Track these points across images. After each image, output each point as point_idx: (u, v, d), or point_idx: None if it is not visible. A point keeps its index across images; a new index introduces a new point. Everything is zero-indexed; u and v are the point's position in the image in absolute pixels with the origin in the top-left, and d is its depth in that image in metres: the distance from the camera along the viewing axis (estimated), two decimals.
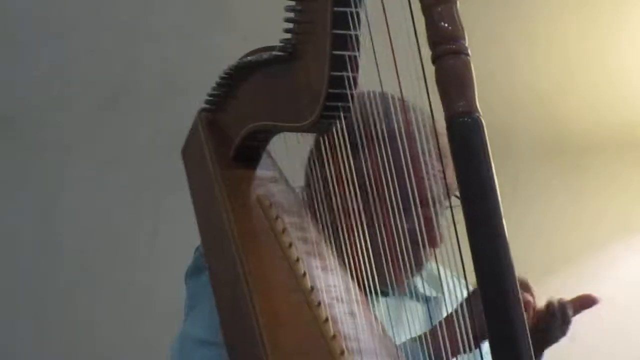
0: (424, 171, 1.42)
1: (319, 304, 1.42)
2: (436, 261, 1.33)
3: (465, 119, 1.13)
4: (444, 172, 1.38)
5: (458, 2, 1.15)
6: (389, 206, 1.45)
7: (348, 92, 1.32)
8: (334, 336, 1.38)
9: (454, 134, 1.13)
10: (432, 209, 1.54)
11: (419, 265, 1.58)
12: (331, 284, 1.45)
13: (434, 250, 1.59)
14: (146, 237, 2.69)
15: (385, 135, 1.47)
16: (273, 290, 1.44)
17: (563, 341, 1.53)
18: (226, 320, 1.47)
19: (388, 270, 1.48)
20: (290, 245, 1.50)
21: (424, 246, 1.50)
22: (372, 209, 1.49)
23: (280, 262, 1.48)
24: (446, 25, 1.14)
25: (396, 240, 1.46)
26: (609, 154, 2.92)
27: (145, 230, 2.69)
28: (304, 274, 1.46)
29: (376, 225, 1.49)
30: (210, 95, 1.62)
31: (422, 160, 1.40)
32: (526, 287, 1.48)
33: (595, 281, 2.91)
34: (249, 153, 1.60)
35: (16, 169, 2.69)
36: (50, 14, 2.68)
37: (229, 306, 1.47)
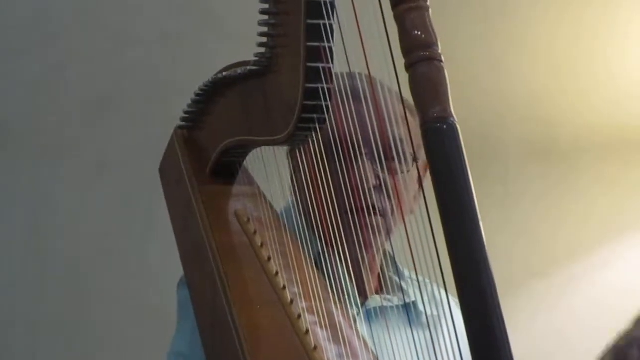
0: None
1: (299, 316, 1.43)
2: (415, 271, 1.32)
3: (440, 125, 1.13)
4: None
5: (430, 10, 1.16)
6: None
7: (323, 103, 1.33)
8: (315, 348, 1.39)
9: (429, 140, 1.14)
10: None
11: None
12: (310, 296, 1.46)
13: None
14: (138, 240, 2.68)
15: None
16: (253, 303, 1.44)
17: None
18: (206, 333, 1.47)
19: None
20: (269, 259, 1.50)
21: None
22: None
23: (260, 275, 1.48)
24: (419, 32, 1.15)
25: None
26: (596, 155, 2.94)
27: (138, 233, 2.69)
28: (284, 287, 1.47)
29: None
30: (186, 113, 1.63)
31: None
32: None
33: (583, 282, 2.93)
34: (226, 169, 1.60)
35: (8, 172, 2.68)
36: (40, 20, 2.69)
37: (209, 320, 1.47)
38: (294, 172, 1.60)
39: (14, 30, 2.68)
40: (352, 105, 1.44)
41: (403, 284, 1.71)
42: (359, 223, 1.57)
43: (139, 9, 2.74)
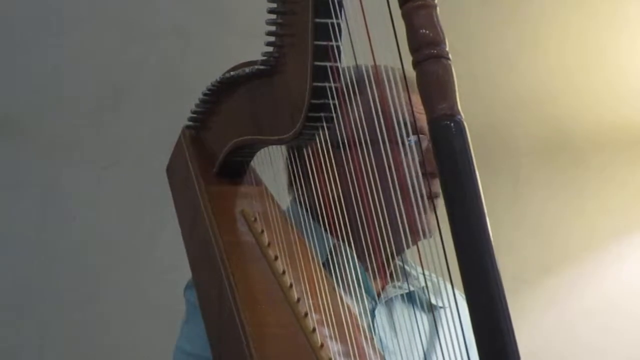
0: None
1: (306, 314, 1.43)
2: (422, 265, 1.32)
3: (448, 122, 1.13)
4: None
5: (438, 7, 1.16)
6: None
7: (330, 102, 1.34)
8: (322, 345, 1.39)
9: (436, 137, 1.14)
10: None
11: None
12: (317, 295, 1.46)
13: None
14: (146, 238, 2.69)
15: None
16: (259, 302, 1.45)
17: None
18: (213, 332, 1.47)
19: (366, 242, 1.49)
20: (276, 258, 1.51)
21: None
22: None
23: (266, 275, 1.49)
24: (426, 31, 1.15)
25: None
26: (608, 153, 2.94)
27: (146, 231, 2.69)
28: (290, 285, 1.47)
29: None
30: (193, 112, 1.63)
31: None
32: None
33: (594, 280, 2.93)
34: (234, 168, 1.61)
35: (17, 169, 2.69)
36: (50, 14, 2.70)
37: (216, 318, 1.47)
38: (315, 166, 1.57)
39: (26, 24, 2.69)
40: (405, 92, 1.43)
41: (412, 271, 1.72)
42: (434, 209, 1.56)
43: (150, 3, 2.75)
